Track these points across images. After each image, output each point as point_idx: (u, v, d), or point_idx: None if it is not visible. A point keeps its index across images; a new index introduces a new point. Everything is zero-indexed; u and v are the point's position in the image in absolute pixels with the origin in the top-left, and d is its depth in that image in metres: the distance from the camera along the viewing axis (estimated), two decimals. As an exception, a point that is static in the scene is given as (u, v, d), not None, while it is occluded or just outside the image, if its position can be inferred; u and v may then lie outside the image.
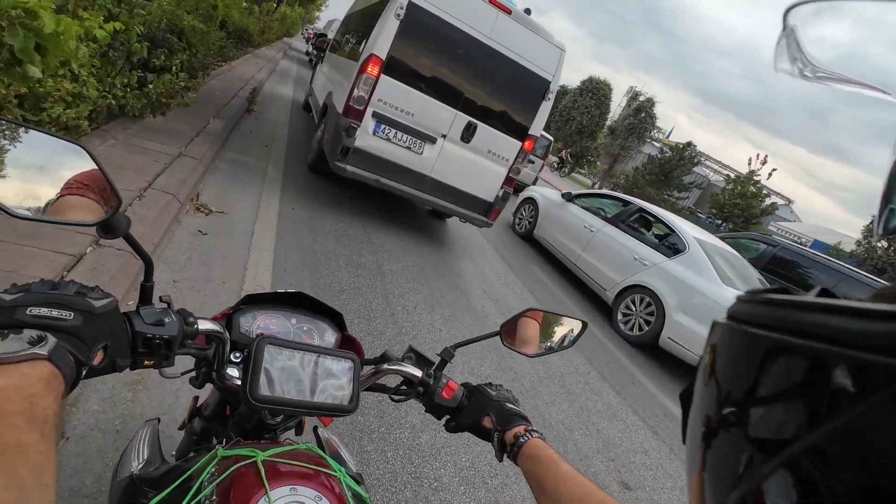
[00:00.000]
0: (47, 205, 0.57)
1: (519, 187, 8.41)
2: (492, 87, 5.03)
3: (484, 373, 3.22)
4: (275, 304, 0.90)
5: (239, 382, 0.71)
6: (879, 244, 18.22)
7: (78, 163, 0.60)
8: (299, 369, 0.71)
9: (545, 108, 5.27)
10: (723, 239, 6.92)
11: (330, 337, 0.92)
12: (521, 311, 0.96)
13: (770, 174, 24.33)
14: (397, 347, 1.76)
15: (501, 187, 5.49)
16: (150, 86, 3.46)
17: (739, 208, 23.07)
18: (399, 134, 4.88)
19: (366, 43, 4.89)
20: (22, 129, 0.56)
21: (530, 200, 7.57)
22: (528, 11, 5.01)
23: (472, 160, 5.22)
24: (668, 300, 4.94)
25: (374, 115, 4.70)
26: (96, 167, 0.60)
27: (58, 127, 2.68)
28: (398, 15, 4.42)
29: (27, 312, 0.46)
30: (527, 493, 2.09)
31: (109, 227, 0.59)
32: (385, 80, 4.58)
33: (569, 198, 6.96)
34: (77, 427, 1.66)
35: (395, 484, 2.08)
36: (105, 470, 1.54)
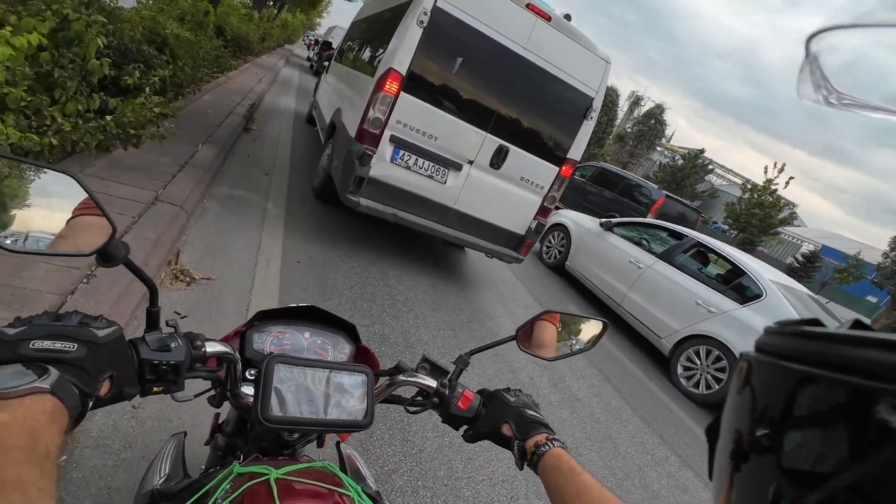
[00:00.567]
0: (42, 236, 0.57)
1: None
2: (527, 105, 4.28)
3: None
4: (287, 319, 0.89)
5: (252, 400, 0.69)
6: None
7: (67, 191, 0.58)
8: (311, 386, 0.70)
9: (587, 129, 4.51)
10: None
11: (344, 349, 0.91)
12: (537, 313, 0.92)
13: (787, 182, 23.48)
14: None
15: (535, 218, 4.75)
16: (108, 118, 2.64)
17: (757, 218, 22.21)
18: (420, 160, 4.12)
19: (382, 55, 4.14)
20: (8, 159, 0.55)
21: (560, 227, 6.75)
22: (567, 17, 4.25)
23: (502, 189, 4.47)
24: (744, 357, 4.11)
25: (392, 139, 3.94)
26: (87, 195, 0.58)
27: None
28: (421, 22, 3.66)
29: (30, 346, 0.46)
30: None
31: (108, 255, 0.58)
32: (405, 98, 3.82)
33: (608, 226, 6.14)
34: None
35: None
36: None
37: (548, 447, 0.70)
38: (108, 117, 2.61)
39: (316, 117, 7.63)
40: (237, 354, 0.72)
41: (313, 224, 4.30)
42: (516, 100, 4.19)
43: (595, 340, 0.94)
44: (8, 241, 0.54)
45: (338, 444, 1.02)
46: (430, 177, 4.19)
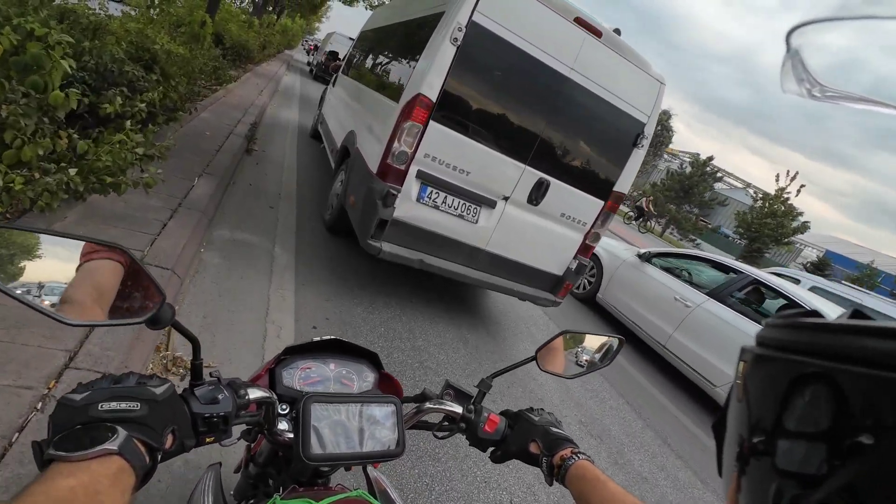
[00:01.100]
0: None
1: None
2: (572, 133, 3.73)
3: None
4: (313, 352, 0.91)
5: (289, 436, 0.73)
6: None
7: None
8: (346, 422, 0.72)
9: (637, 158, 3.97)
10: None
11: (368, 377, 0.92)
12: (555, 334, 0.95)
13: (799, 190, 22.97)
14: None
15: (575, 257, 4.24)
16: (71, 172, 2.05)
17: (769, 227, 21.68)
18: (450, 198, 3.56)
19: (407, 75, 3.59)
20: (59, 237, 0.55)
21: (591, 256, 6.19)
22: (617, 32, 3.70)
23: (539, 226, 3.93)
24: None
25: (419, 174, 3.39)
26: (136, 265, 0.59)
27: None
28: (455, 40, 3.11)
29: (98, 408, 0.47)
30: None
31: (157, 319, 0.60)
32: (434, 128, 3.27)
33: (646, 257, 5.58)
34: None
35: None
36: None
37: (574, 460, 0.72)
38: (72, 171, 2.02)
39: (322, 134, 7.06)
40: (274, 396, 0.74)
41: (328, 273, 3.72)
42: (560, 127, 3.65)
43: (612, 357, 0.98)
44: (69, 319, 0.53)
45: (364, 467, 1.03)
46: (461, 216, 3.64)
